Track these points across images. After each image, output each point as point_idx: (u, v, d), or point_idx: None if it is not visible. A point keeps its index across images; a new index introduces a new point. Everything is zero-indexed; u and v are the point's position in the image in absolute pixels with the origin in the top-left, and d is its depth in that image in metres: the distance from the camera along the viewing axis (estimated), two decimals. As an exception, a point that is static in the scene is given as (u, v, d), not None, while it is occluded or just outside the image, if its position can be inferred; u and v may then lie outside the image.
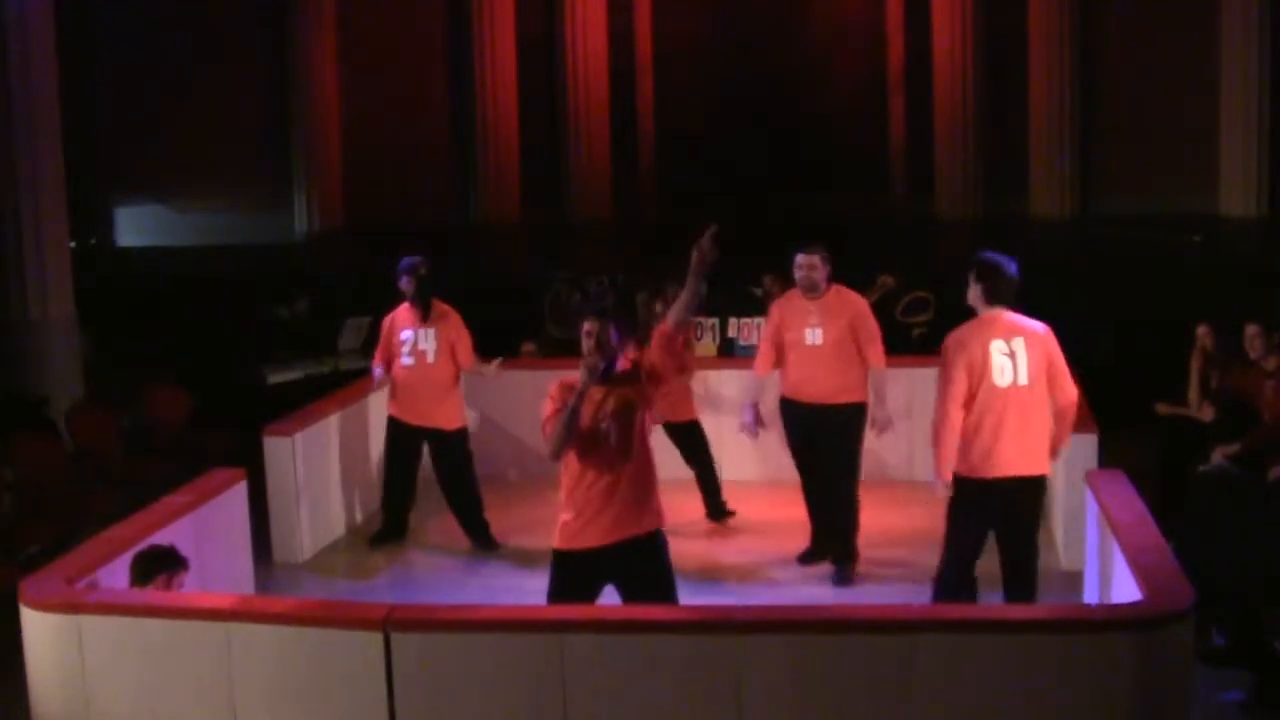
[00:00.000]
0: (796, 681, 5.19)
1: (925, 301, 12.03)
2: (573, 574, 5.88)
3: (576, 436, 5.71)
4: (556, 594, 5.92)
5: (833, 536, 8.27)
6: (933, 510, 9.22)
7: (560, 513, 5.91)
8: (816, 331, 8.05)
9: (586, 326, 5.77)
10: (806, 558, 8.42)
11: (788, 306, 8.24)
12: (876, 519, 8.61)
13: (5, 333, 11.03)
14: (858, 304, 8.19)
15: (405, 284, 8.75)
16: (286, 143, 17.68)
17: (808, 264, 8.06)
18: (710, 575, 8.23)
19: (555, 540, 5.93)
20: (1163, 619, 5.15)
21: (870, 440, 8.52)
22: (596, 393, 5.74)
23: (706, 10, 18.13)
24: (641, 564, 5.88)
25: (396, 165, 17.53)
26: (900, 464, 9.98)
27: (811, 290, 8.07)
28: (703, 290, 5.76)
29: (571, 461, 5.80)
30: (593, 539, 5.83)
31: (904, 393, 9.83)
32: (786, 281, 11.87)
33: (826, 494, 8.28)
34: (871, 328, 8.16)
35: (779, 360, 8.23)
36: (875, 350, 8.14)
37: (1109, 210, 16.26)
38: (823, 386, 8.02)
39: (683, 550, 8.63)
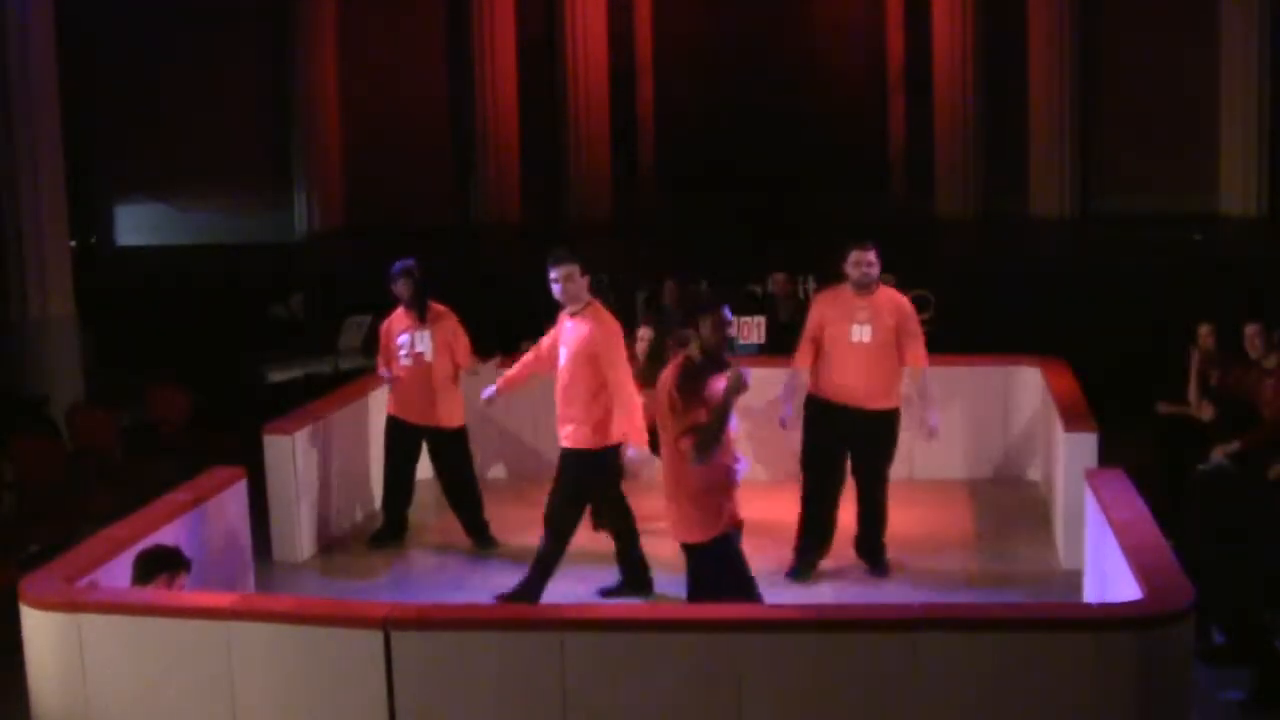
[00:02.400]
0: (796, 681, 5.19)
1: (925, 300, 12.04)
2: (737, 552, 6.18)
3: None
4: (734, 575, 6.13)
5: (864, 540, 8.08)
6: (930, 510, 9.27)
7: (688, 506, 6.06)
8: (865, 329, 7.80)
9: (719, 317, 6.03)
10: (798, 574, 7.95)
11: (834, 301, 7.96)
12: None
13: (5, 332, 11.03)
14: (905, 304, 7.97)
15: (401, 288, 8.73)
16: (286, 143, 17.70)
17: (865, 260, 7.82)
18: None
19: (707, 532, 6.09)
20: (1163, 619, 5.15)
21: None
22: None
23: (706, 10, 18.15)
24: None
25: (396, 165, 17.54)
26: (898, 463, 9.96)
27: (866, 288, 7.84)
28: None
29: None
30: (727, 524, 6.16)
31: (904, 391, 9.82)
32: (792, 280, 11.87)
33: (834, 499, 8.00)
34: (916, 328, 8.00)
35: (816, 356, 7.97)
36: (919, 350, 7.98)
37: (1109, 210, 16.27)
38: (865, 389, 7.77)
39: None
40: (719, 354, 6.02)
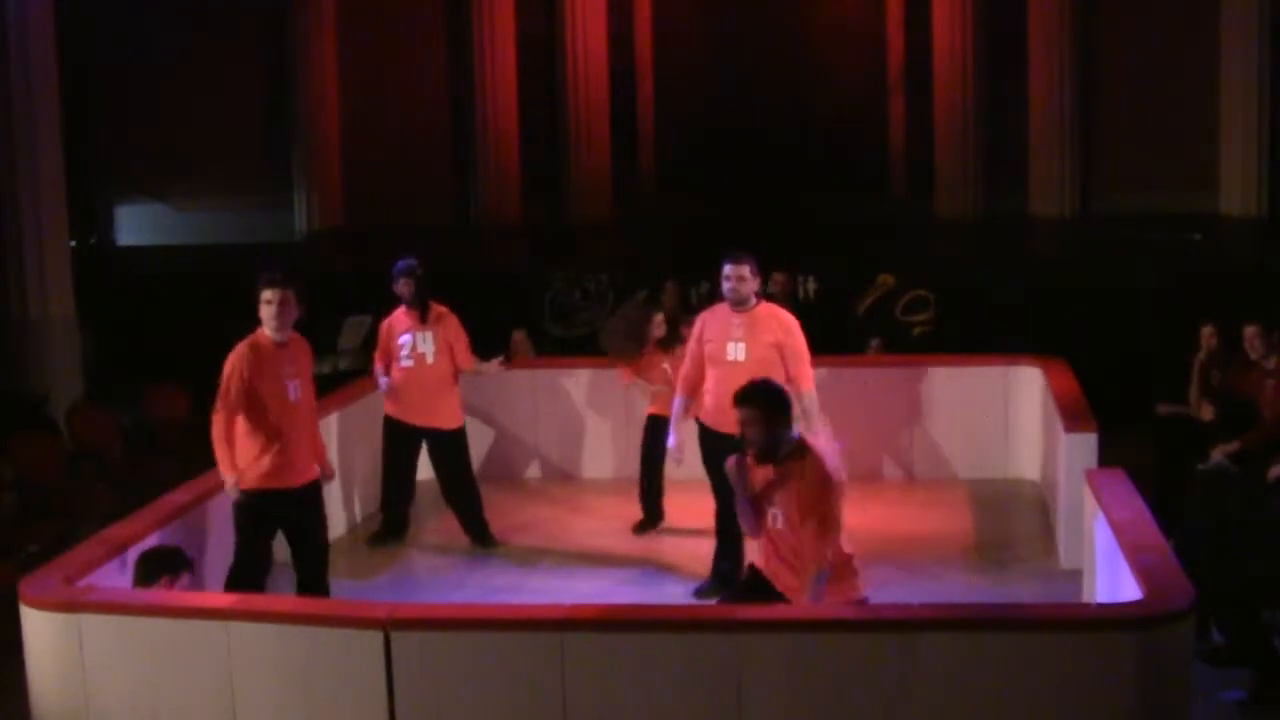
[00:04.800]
0: (796, 681, 5.19)
1: (925, 300, 12.04)
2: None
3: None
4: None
5: (719, 565, 7.67)
6: (930, 510, 9.28)
7: None
8: (739, 346, 7.32)
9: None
10: (705, 592, 7.59)
11: (713, 318, 7.55)
12: (873, 520, 8.59)
13: (5, 333, 11.04)
14: (787, 321, 7.41)
15: (403, 286, 8.72)
16: (286, 143, 17.67)
17: (736, 275, 7.35)
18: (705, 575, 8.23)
19: None
20: (1163, 618, 5.15)
21: (864, 439, 8.46)
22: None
23: (706, 10, 18.13)
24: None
25: (396, 165, 17.52)
26: (895, 464, 9.98)
27: (740, 304, 7.40)
28: None
29: None
30: None
31: (905, 392, 9.84)
32: (792, 281, 11.85)
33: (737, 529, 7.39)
34: (799, 347, 7.41)
35: (700, 379, 7.55)
36: (803, 370, 7.37)
37: (1109, 210, 16.25)
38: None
39: (682, 550, 8.67)
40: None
